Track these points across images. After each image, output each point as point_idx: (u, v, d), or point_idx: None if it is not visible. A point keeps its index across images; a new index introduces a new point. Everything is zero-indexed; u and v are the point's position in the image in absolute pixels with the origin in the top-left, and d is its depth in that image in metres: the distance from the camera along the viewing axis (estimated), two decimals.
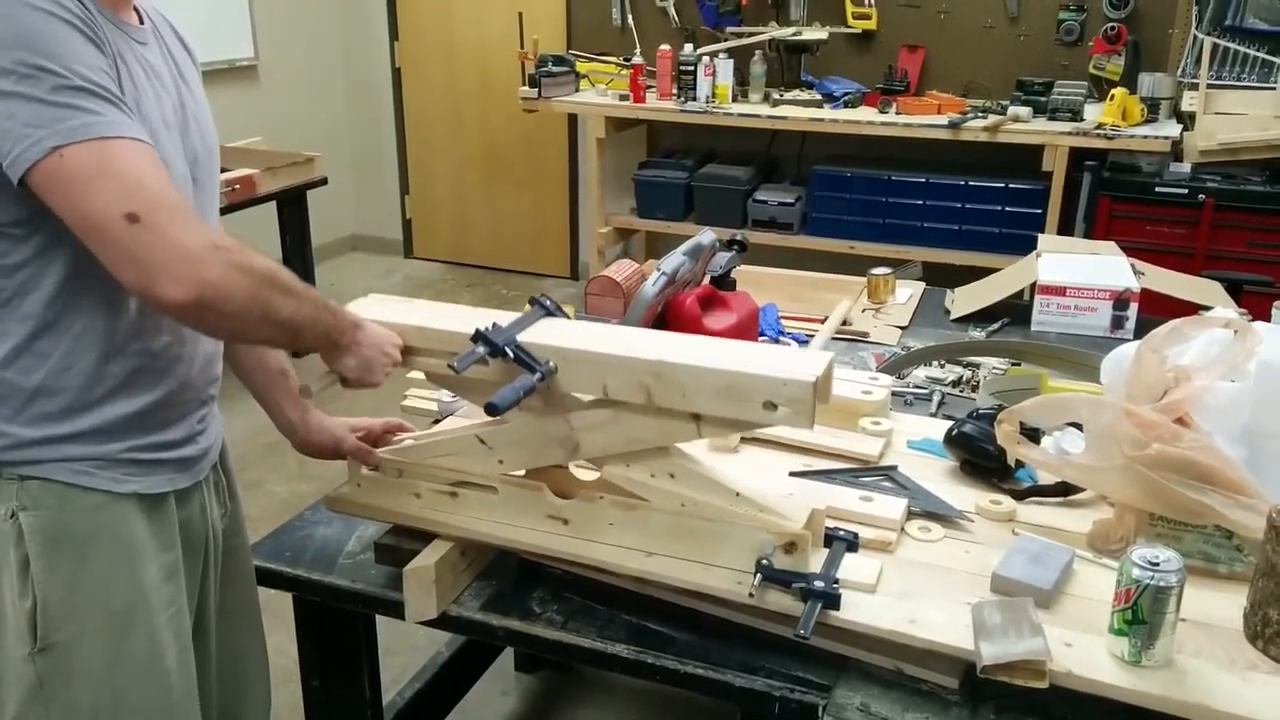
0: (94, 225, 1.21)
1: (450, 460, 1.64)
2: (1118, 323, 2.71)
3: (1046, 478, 1.78)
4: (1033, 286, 2.81)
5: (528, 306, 1.60)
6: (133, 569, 1.41)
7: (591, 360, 1.47)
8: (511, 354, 1.46)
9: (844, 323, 2.75)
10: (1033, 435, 1.77)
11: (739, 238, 2.59)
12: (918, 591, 1.50)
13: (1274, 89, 4.32)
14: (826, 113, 4.95)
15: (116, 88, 1.25)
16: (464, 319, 1.53)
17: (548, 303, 1.60)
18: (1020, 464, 1.79)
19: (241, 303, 1.25)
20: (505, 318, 1.53)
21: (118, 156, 1.21)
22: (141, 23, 1.44)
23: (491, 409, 1.40)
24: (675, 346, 1.47)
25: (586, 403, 1.51)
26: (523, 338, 1.49)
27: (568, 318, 1.61)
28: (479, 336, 1.47)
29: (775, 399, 1.36)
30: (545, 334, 1.52)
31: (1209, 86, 4.42)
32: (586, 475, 1.70)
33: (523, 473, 1.67)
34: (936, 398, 2.32)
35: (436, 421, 2.08)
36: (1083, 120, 4.56)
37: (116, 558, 1.40)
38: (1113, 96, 4.50)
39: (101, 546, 1.39)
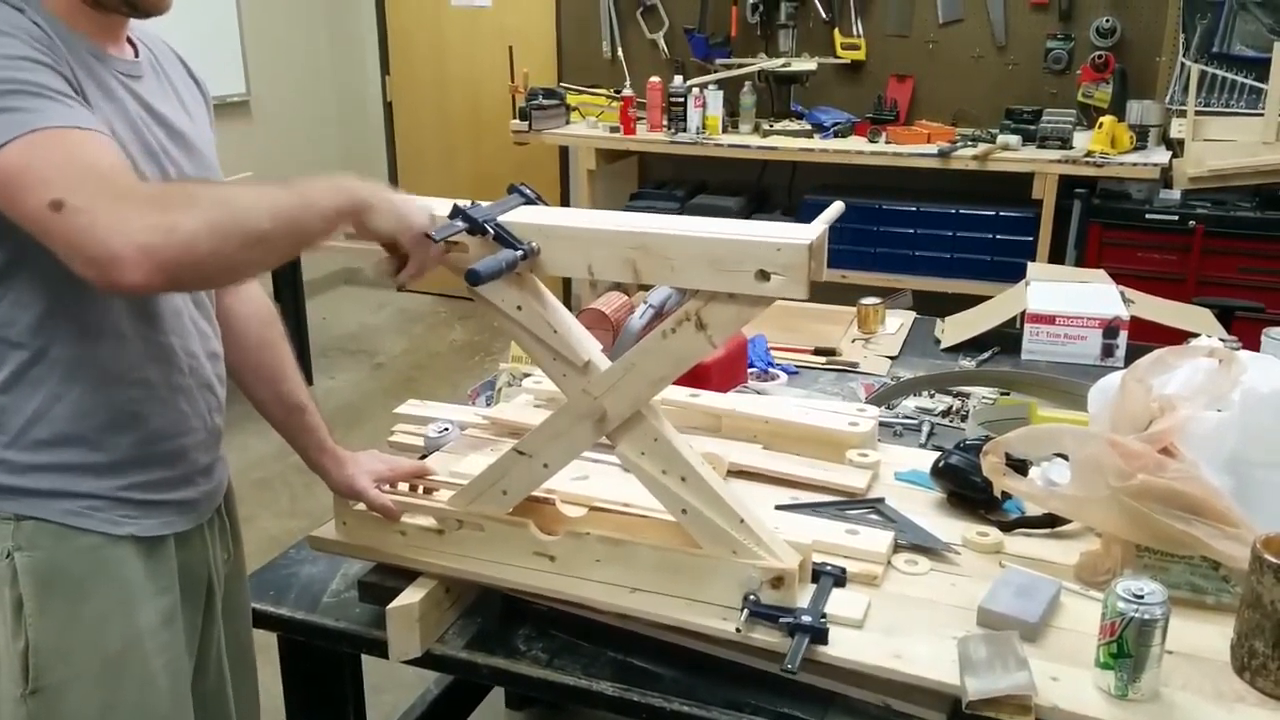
0: (33, 224, 1.15)
1: (501, 485, 1.60)
2: (1107, 351, 2.71)
3: (1034, 509, 1.77)
4: (1023, 315, 2.82)
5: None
6: (128, 612, 1.40)
7: (575, 237, 1.43)
8: (492, 231, 1.41)
9: (833, 353, 2.75)
10: (1020, 466, 1.77)
11: None
12: (904, 626, 1.49)
13: (1262, 115, 4.34)
14: (816, 143, 4.97)
15: (64, 86, 1.22)
16: (442, 205, 1.46)
17: (527, 190, 1.54)
18: (1007, 495, 1.78)
19: (207, 244, 1.15)
20: (484, 202, 1.47)
21: (42, 147, 1.15)
22: (137, 55, 1.44)
23: (472, 276, 1.33)
24: (661, 221, 1.44)
25: (604, 370, 1.48)
26: (504, 219, 1.44)
27: (546, 204, 1.55)
28: (458, 212, 1.42)
29: (768, 266, 1.31)
30: (526, 216, 1.47)
31: (1197, 113, 4.44)
32: (573, 511, 1.70)
33: (510, 510, 1.67)
34: (926, 428, 2.32)
35: (423, 456, 2.07)
36: (1072, 148, 4.58)
37: (112, 601, 1.38)
38: (1101, 124, 4.52)
39: (96, 589, 1.38)
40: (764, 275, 1.32)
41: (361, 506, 1.67)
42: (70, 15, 1.32)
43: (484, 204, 1.47)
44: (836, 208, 1.46)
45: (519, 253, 1.39)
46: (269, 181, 1.27)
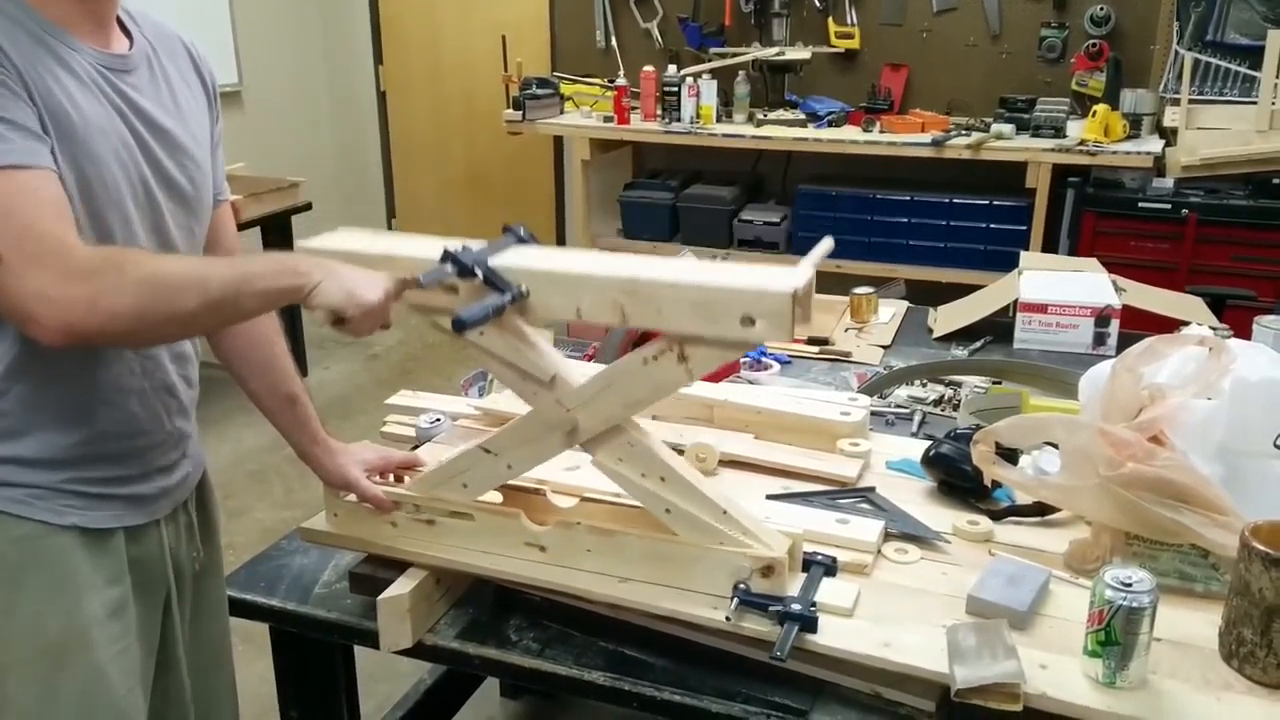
0: None
1: (462, 478, 1.61)
2: (1099, 340, 2.71)
3: (1024, 498, 1.77)
4: (1015, 304, 2.82)
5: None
6: (69, 602, 1.39)
7: (564, 281, 1.44)
8: (481, 274, 1.42)
9: (826, 342, 2.75)
10: (1011, 455, 1.77)
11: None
12: (894, 615, 1.50)
13: (1255, 103, 4.34)
14: (811, 132, 4.96)
15: (7, 100, 1.23)
16: (434, 246, 1.47)
17: (520, 230, 1.54)
18: (998, 484, 1.78)
19: (126, 323, 1.23)
20: (476, 243, 1.48)
21: None
22: (131, 47, 1.44)
23: (458, 323, 1.34)
24: (650, 266, 1.44)
25: (580, 384, 1.49)
26: (494, 261, 1.45)
27: (540, 245, 1.56)
28: (448, 256, 1.42)
29: (752, 313, 1.32)
30: (516, 258, 1.48)
31: (1191, 102, 4.43)
32: (564, 502, 1.70)
33: (500, 500, 1.67)
34: (918, 417, 2.32)
35: (415, 447, 2.07)
36: (1065, 137, 4.57)
37: (51, 590, 1.38)
38: (1095, 113, 4.51)
39: (35, 577, 1.38)
40: (749, 321, 1.34)
41: (353, 497, 1.67)
42: (45, 4, 1.32)
43: (475, 246, 1.47)
44: (825, 245, 1.46)
45: (507, 297, 1.40)
46: (218, 261, 1.37)
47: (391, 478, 1.73)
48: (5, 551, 1.36)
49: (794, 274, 1.35)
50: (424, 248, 1.48)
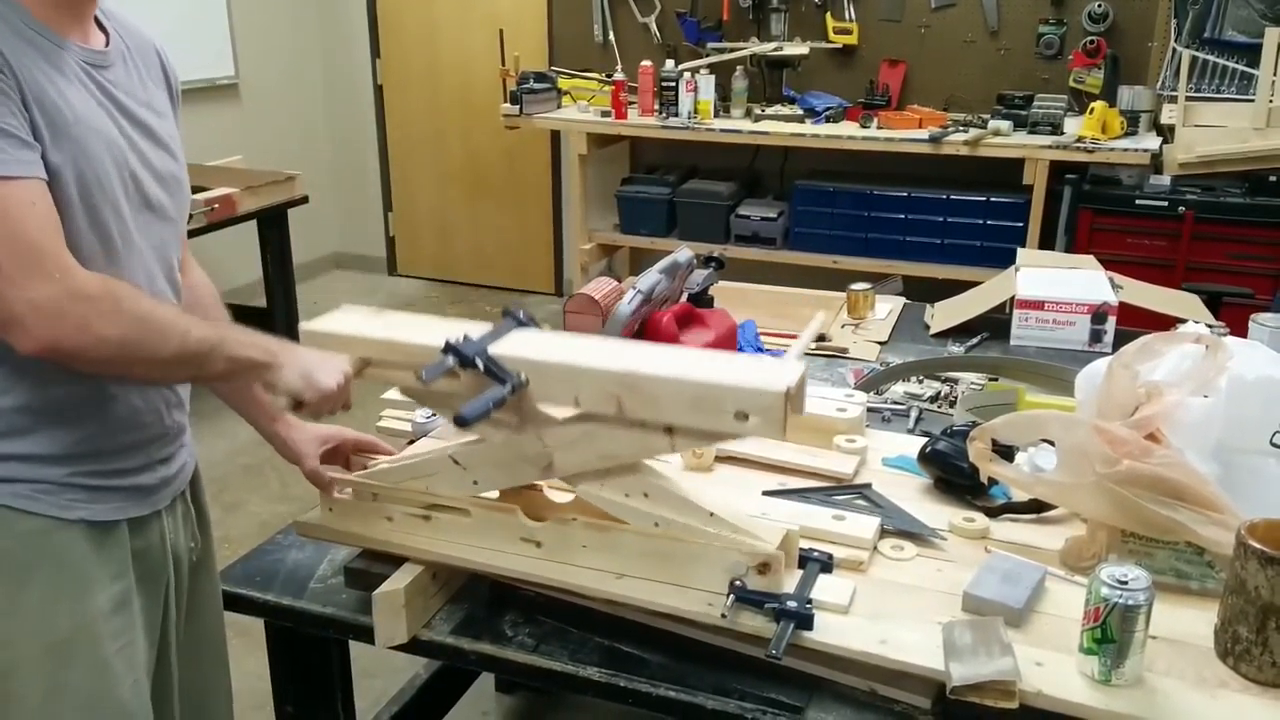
0: None
1: (424, 482, 1.62)
2: (1096, 336, 2.71)
3: (1020, 495, 1.77)
4: (1012, 301, 2.82)
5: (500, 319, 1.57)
6: (77, 597, 1.39)
7: (563, 372, 1.46)
8: (481, 365, 1.44)
9: (823, 338, 2.75)
10: (1007, 452, 1.77)
11: (716, 255, 2.60)
12: (890, 611, 1.50)
13: (1252, 101, 4.34)
14: (808, 128, 4.96)
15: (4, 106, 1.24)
16: (435, 330, 1.50)
17: (520, 314, 1.57)
18: (994, 481, 1.78)
19: (110, 351, 1.27)
20: (477, 329, 1.51)
21: None
22: (107, 44, 1.44)
23: (460, 420, 1.37)
24: (648, 357, 1.45)
25: (560, 420, 1.50)
26: (494, 349, 1.47)
27: (540, 329, 1.58)
28: (449, 348, 1.45)
29: (746, 409, 1.34)
30: (517, 346, 1.50)
31: (1188, 99, 4.43)
32: (560, 498, 1.69)
33: (496, 495, 1.67)
34: (914, 414, 2.32)
35: (411, 442, 2.07)
36: (1063, 134, 4.57)
37: (59, 585, 1.38)
38: (1092, 110, 4.52)
39: (43, 573, 1.37)
40: (743, 416, 1.35)
41: (349, 492, 1.67)
42: (33, 2, 1.32)
43: (476, 333, 1.49)
44: (817, 323, 1.47)
45: (507, 388, 1.42)
46: (203, 320, 1.40)
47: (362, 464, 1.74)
48: (13, 548, 1.36)
49: (786, 370, 1.37)
50: (425, 332, 1.52)
